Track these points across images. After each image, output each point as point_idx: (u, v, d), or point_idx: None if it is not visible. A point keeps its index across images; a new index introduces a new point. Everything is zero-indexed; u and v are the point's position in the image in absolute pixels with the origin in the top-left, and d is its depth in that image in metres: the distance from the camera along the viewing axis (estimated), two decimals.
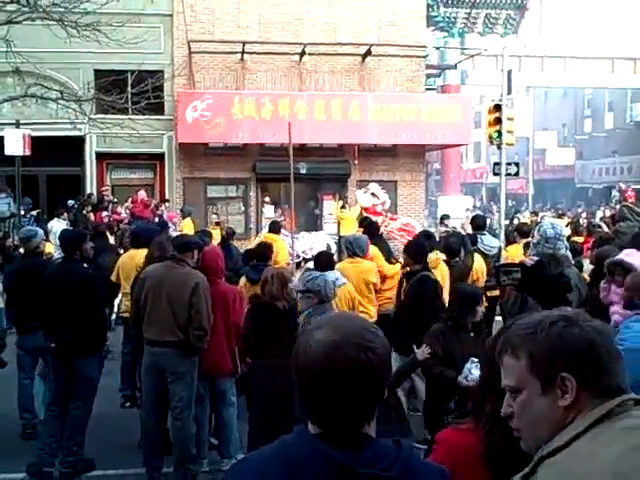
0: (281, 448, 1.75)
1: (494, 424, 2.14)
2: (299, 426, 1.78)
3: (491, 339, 2.29)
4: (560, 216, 19.57)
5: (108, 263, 9.42)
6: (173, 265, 6.19)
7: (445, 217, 17.66)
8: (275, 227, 13.12)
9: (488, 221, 24.86)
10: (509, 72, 16.43)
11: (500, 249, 9.93)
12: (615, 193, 32.78)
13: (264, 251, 8.30)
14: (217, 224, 16.85)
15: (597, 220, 17.50)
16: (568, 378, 1.64)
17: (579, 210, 30.62)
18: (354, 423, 1.72)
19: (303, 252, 14.39)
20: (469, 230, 11.57)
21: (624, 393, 1.60)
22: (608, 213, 17.93)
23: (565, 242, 6.87)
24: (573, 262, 7.27)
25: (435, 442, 2.36)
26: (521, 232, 10.76)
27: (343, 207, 18.22)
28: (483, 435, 2.17)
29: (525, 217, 19.88)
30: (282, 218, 21.01)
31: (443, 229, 15.19)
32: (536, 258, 5.40)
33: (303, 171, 19.50)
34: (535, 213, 19.26)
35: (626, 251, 6.19)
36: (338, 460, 1.66)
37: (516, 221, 18.08)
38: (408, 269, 7.38)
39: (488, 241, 9.77)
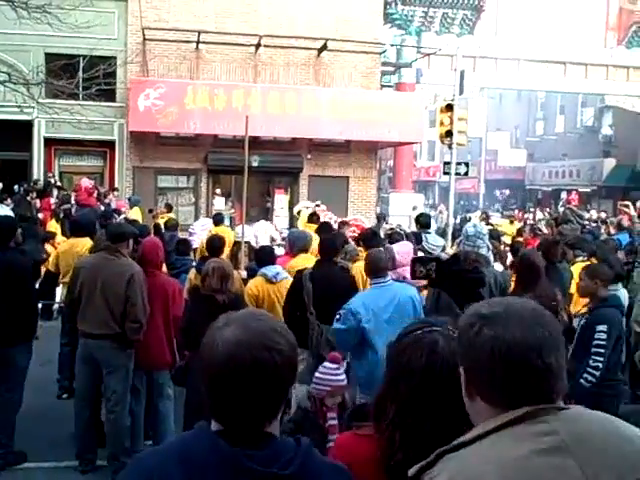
0: (180, 444, 1.75)
1: (394, 432, 2.14)
2: (200, 422, 1.78)
3: (395, 343, 2.30)
4: (511, 222, 19.75)
5: (35, 249, 9.28)
6: (108, 256, 6.10)
7: (382, 217, 17.80)
8: (218, 219, 13.14)
9: (438, 220, 25.22)
10: (462, 73, 16.62)
11: (444, 248, 10.02)
12: (563, 195, 33.44)
13: (216, 243, 8.22)
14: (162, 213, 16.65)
15: (539, 222, 17.82)
16: (472, 383, 1.67)
17: (530, 211, 31.11)
18: (256, 422, 1.73)
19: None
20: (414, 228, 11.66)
21: (543, 402, 1.62)
22: (546, 216, 18.26)
23: (487, 241, 7.00)
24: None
25: (334, 446, 2.37)
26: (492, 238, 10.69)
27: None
28: (382, 443, 2.17)
29: (475, 217, 20.07)
30: (233, 210, 20.98)
31: (387, 227, 15.30)
32: (451, 252, 5.54)
33: (255, 164, 19.40)
34: (486, 214, 19.39)
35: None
36: (235, 457, 1.67)
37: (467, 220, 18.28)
38: None
39: (433, 240, 9.86)
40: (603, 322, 5.58)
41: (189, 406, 5.98)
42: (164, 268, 7.44)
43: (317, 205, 15.07)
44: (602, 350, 5.46)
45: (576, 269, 7.60)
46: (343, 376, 4.46)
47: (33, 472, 6.35)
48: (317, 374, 4.39)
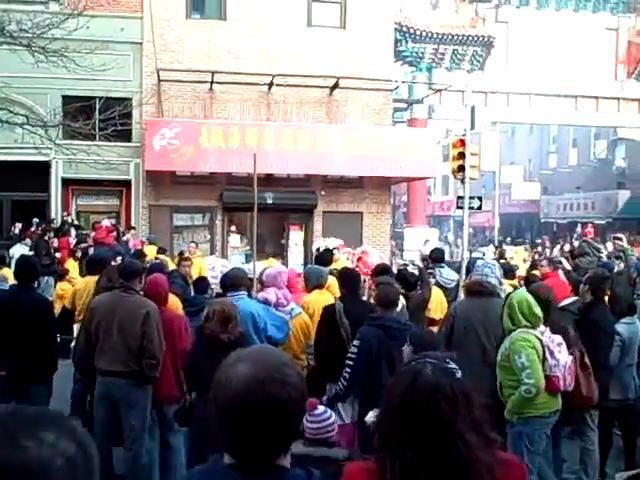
0: (194, 477, 1.79)
1: (384, 459, 2.17)
2: (214, 456, 1.82)
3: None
4: (525, 249, 19.73)
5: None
6: (122, 294, 6.19)
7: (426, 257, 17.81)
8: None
9: (454, 254, 25.16)
10: (472, 108, 16.74)
11: (458, 282, 10.04)
12: (578, 229, 33.34)
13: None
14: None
15: (556, 254, 17.77)
16: None
17: (540, 242, 31.02)
18: (269, 455, 1.77)
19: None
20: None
21: None
22: (567, 248, 18.17)
23: (497, 274, 7.04)
24: None
25: (343, 475, 2.40)
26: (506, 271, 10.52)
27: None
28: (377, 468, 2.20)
29: (488, 251, 20.03)
30: (248, 247, 21.08)
31: (401, 262, 15.33)
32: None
33: (270, 201, 19.56)
34: (500, 251, 19.24)
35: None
36: None
37: (475, 254, 18.24)
38: None
39: (447, 274, 9.90)
40: None
41: (194, 446, 5.87)
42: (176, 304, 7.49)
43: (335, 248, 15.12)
44: None
45: None
46: (331, 412, 4.48)
47: None
48: (311, 425, 4.26)
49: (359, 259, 12.12)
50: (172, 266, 13.00)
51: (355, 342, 5.94)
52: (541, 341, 5.67)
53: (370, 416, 4.96)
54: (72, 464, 1.16)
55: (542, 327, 5.82)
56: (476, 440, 2.12)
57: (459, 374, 2.34)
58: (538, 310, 5.78)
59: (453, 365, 2.32)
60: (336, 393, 6.12)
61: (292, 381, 1.77)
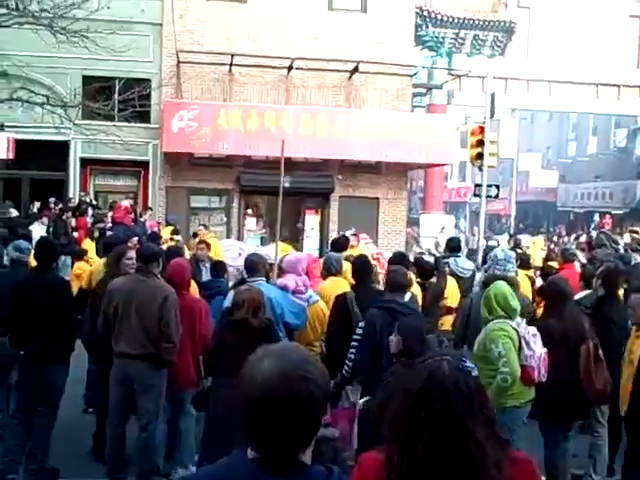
0: (218, 471, 1.83)
1: (392, 450, 2.21)
2: (237, 450, 1.87)
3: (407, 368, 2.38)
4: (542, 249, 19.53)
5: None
6: (141, 277, 6.26)
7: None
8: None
9: (470, 242, 25.07)
10: (492, 96, 16.64)
11: (474, 272, 10.04)
12: (596, 218, 33.14)
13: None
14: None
15: (570, 245, 17.67)
16: None
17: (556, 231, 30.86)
18: (291, 450, 1.81)
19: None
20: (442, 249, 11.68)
21: None
22: (583, 238, 18.06)
23: (514, 266, 7.05)
24: None
25: (357, 464, 2.44)
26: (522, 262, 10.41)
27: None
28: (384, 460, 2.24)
29: (503, 239, 19.94)
30: (264, 230, 21.15)
31: (417, 250, 15.32)
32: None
33: (287, 185, 19.41)
34: (516, 240, 19.07)
35: None
36: None
37: (491, 242, 18.13)
38: None
39: (462, 263, 9.90)
40: None
41: (209, 431, 5.94)
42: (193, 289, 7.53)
43: (354, 234, 15.08)
44: None
45: None
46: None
47: None
48: None
49: (377, 259, 12.11)
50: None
51: (360, 324, 5.97)
52: (517, 332, 5.73)
53: (361, 402, 5.04)
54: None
55: (519, 319, 5.91)
56: (486, 437, 2.16)
57: (475, 372, 2.37)
58: (515, 303, 5.89)
59: (469, 363, 2.36)
60: (342, 376, 6.15)
61: (315, 379, 1.81)
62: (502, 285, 6.08)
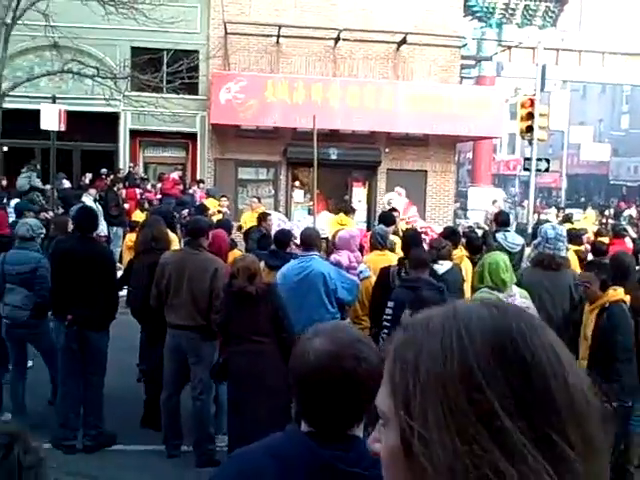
0: (273, 444, 1.88)
1: None
2: (291, 425, 1.91)
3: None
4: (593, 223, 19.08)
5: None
6: (191, 251, 6.37)
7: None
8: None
9: (519, 216, 24.76)
10: (543, 68, 16.34)
11: (523, 246, 9.91)
12: None
13: (284, 237, 8.17)
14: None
15: (623, 220, 17.32)
16: None
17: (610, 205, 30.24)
18: (344, 425, 1.85)
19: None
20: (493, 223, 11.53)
21: None
22: (633, 213, 17.66)
23: (566, 243, 6.94)
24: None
25: None
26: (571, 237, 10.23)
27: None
28: None
29: (551, 214, 19.59)
30: (311, 202, 21.15)
31: (466, 224, 15.18)
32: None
33: (334, 157, 19.56)
34: (567, 215, 18.46)
35: None
36: (324, 458, 1.79)
37: (543, 216, 17.89)
38: None
39: (512, 238, 9.77)
40: None
41: (231, 399, 5.96)
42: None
43: (398, 193, 14.93)
44: None
45: None
46: None
47: (123, 455, 6.63)
48: None
49: (424, 232, 11.99)
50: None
51: (389, 304, 5.99)
52: None
53: None
54: None
55: (512, 290, 5.87)
56: None
57: None
58: (507, 276, 5.85)
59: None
60: None
61: (366, 357, 1.84)
62: (498, 255, 6.08)
